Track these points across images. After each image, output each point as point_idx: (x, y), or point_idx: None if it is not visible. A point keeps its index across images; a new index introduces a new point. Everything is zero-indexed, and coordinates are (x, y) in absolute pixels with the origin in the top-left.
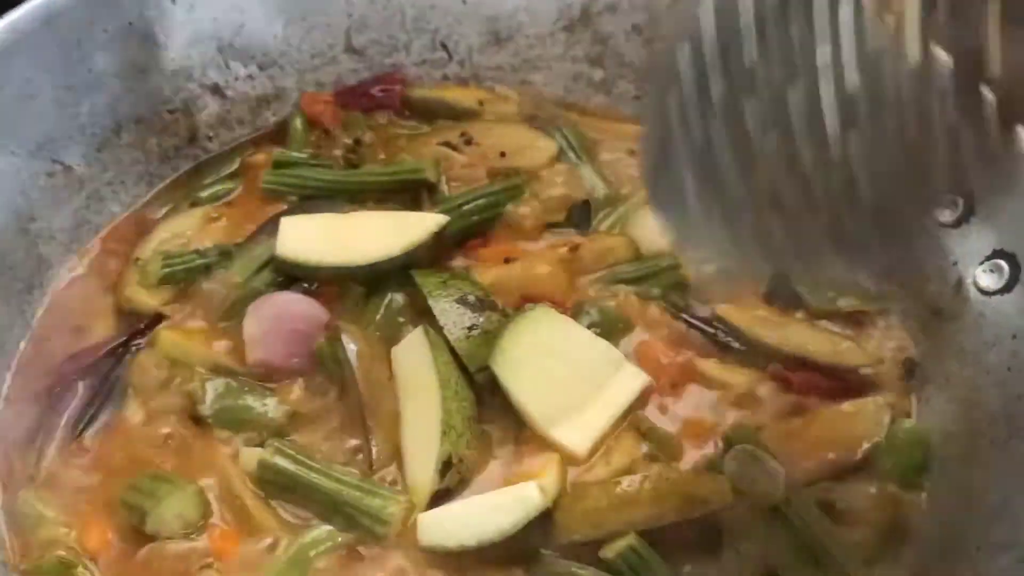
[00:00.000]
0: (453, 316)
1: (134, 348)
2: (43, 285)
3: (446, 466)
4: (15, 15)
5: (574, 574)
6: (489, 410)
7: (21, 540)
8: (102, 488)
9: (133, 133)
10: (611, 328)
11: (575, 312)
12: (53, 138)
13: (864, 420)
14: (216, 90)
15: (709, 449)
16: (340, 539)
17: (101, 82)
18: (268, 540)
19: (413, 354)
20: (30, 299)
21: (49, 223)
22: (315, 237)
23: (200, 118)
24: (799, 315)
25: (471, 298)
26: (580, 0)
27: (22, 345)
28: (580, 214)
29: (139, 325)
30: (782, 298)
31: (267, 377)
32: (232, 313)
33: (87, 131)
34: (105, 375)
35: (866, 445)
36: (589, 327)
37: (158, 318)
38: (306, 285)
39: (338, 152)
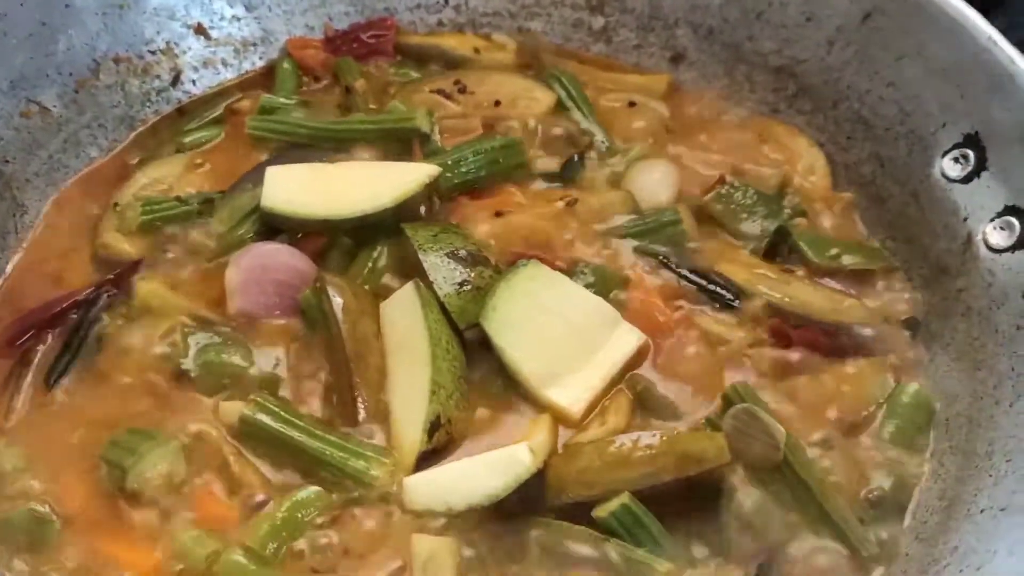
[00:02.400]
0: (443, 271)
1: (108, 297)
2: (17, 231)
3: (434, 426)
4: None
5: (567, 534)
6: (478, 369)
7: None
8: (78, 441)
9: (113, 74)
10: (606, 285)
11: (570, 268)
12: (27, 77)
13: (866, 381)
14: (200, 30)
15: (707, 408)
16: (333, 498)
17: (79, 18)
18: (255, 497)
19: (403, 310)
20: (3, 245)
21: (24, 166)
22: (301, 188)
23: (183, 60)
24: (800, 272)
25: (462, 253)
26: None
27: None
28: (573, 166)
29: (112, 273)
30: (783, 254)
31: (249, 328)
32: (214, 263)
33: (64, 70)
34: (78, 325)
35: (869, 407)
36: (584, 284)
37: (134, 266)
38: (292, 236)
39: (327, 99)
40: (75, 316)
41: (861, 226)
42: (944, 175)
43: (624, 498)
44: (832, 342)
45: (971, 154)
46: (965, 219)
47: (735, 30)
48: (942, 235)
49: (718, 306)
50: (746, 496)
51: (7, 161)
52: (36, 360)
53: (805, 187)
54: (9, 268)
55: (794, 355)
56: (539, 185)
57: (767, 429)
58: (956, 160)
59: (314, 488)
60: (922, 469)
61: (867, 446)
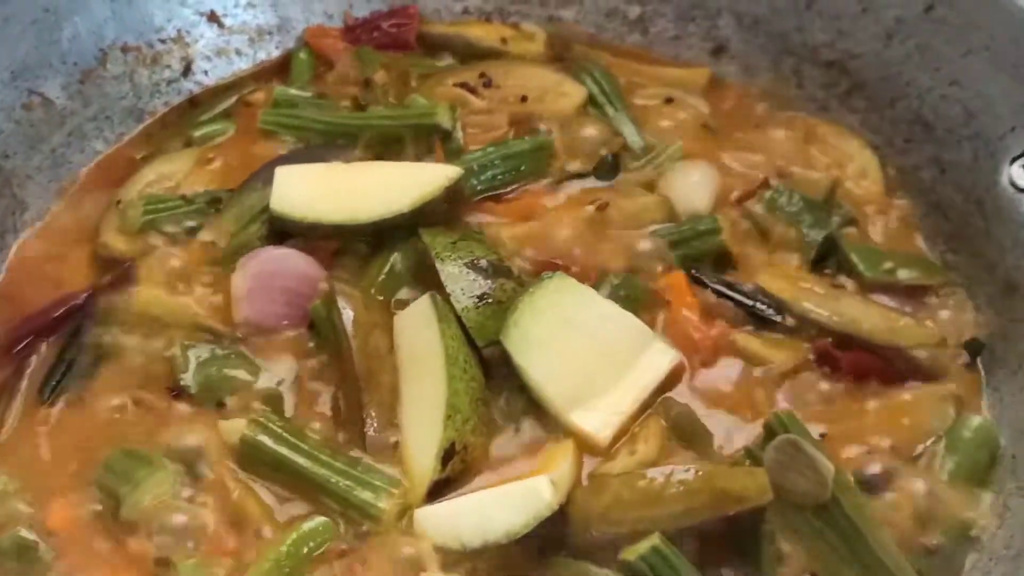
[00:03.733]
0: (462, 282)
1: (104, 302)
2: (17, 230)
3: (448, 454)
4: None
5: None
6: (497, 389)
7: None
8: (70, 461)
9: (120, 63)
10: (637, 298)
11: (598, 280)
12: (30, 67)
13: (924, 412)
14: (213, 18)
15: (747, 437)
16: (341, 530)
17: (86, 5)
18: (257, 527)
19: (418, 324)
20: (2, 244)
21: (25, 161)
22: (313, 190)
23: (195, 49)
24: (850, 287)
25: (483, 263)
26: None
27: None
28: (608, 166)
29: (107, 278)
30: (831, 267)
31: (254, 339)
32: (219, 267)
33: (68, 60)
34: (72, 334)
35: (926, 442)
36: (613, 298)
37: (131, 268)
38: (303, 240)
39: (345, 91)
40: (70, 323)
41: (918, 237)
42: (1013, 183)
43: (654, 539)
44: (886, 366)
45: None
46: None
47: (783, 20)
48: (1010, 249)
49: (759, 324)
50: (789, 538)
51: (7, 156)
52: (30, 371)
53: (856, 193)
54: (7, 268)
55: (843, 380)
56: (568, 188)
57: (813, 464)
58: None
59: (321, 519)
60: (986, 513)
61: (924, 485)
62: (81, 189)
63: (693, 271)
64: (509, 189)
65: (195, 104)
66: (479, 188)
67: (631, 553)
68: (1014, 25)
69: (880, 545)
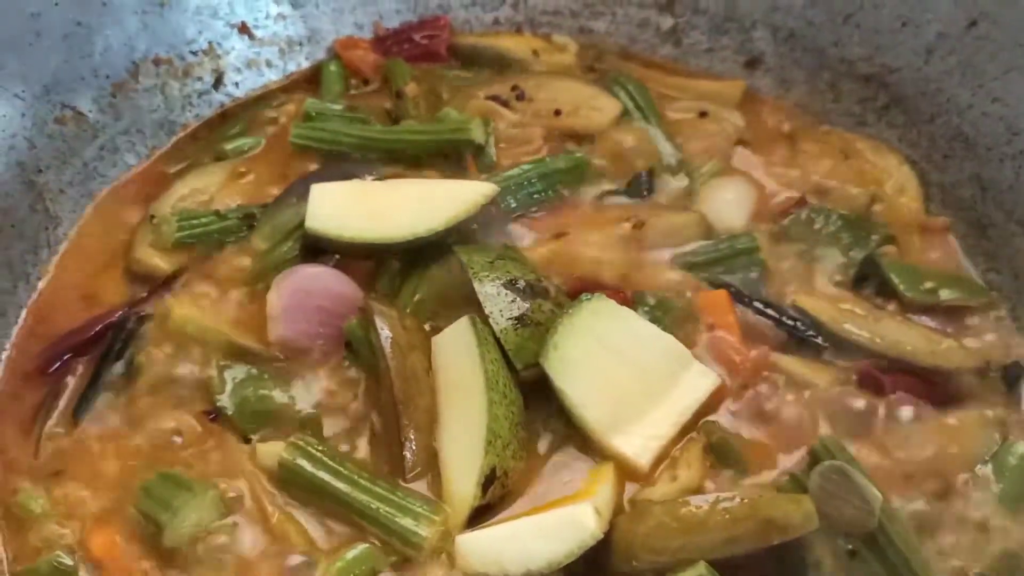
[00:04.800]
0: (500, 303)
1: (138, 321)
2: (50, 244)
3: (489, 480)
4: None
5: None
6: (535, 411)
7: (17, 538)
8: (107, 484)
9: (152, 76)
10: (676, 319)
11: (635, 300)
12: (61, 81)
13: (969, 437)
14: (244, 29)
15: (790, 463)
16: (384, 557)
17: (117, 18)
18: (297, 555)
19: (457, 348)
20: (35, 260)
21: (58, 176)
22: (349, 207)
23: (226, 61)
24: (891, 307)
25: (521, 283)
26: None
27: (25, 312)
28: (642, 183)
29: (143, 293)
30: (872, 287)
31: (290, 359)
32: (253, 285)
33: (100, 73)
34: (106, 353)
35: (973, 467)
36: (650, 318)
37: (167, 284)
38: (337, 256)
39: (375, 104)
40: (105, 342)
41: (959, 256)
42: None
43: (700, 568)
44: (930, 390)
45: None
46: None
47: (820, 34)
48: None
49: (799, 345)
50: (834, 568)
51: (40, 170)
52: (67, 392)
53: (895, 210)
54: (41, 284)
55: (887, 404)
56: (604, 205)
57: (860, 491)
58: None
59: (363, 546)
60: None
61: (970, 513)
62: (114, 203)
63: (735, 290)
64: (544, 206)
65: (225, 117)
66: (514, 206)
67: None
68: None
69: (928, 572)
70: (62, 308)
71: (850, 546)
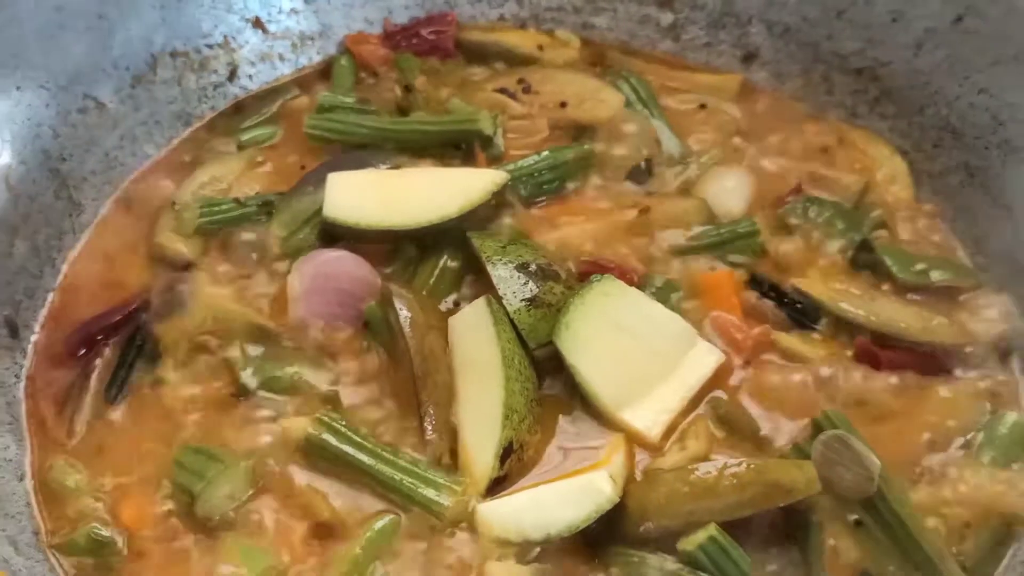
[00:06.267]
0: (513, 285)
1: (163, 303)
2: (75, 231)
3: (507, 452)
4: None
5: (649, 565)
6: (548, 387)
7: (53, 512)
8: (139, 459)
9: (169, 68)
10: (681, 299)
11: (642, 281)
12: (84, 72)
13: (962, 408)
14: (258, 24)
15: (793, 434)
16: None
17: (137, 11)
18: (324, 524)
19: (474, 327)
20: (60, 246)
21: (80, 164)
22: (364, 196)
23: (240, 54)
24: (885, 287)
25: (532, 266)
26: None
27: (51, 295)
28: (644, 172)
29: (167, 277)
30: (867, 269)
31: (310, 339)
32: (273, 269)
33: (120, 65)
34: (133, 335)
35: (965, 436)
36: (657, 298)
37: (189, 269)
38: (353, 243)
39: (387, 97)
40: (131, 324)
41: (948, 241)
42: None
43: (711, 529)
44: (924, 363)
45: None
46: None
47: (814, 29)
48: None
49: (798, 323)
50: (837, 530)
51: (64, 159)
52: (96, 372)
53: (886, 197)
54: (66, 268)
55: (884, 377)
56: (609, 192)
57: (860, 459)
58: None
59: (390, 516)
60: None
61: (964, 479)
62: (134, 191)
63: (738, 272)
64: (553, 195)
65: (239, 109)
66: (524, 194)
67: (689, 543)
68: None
69: (923, 537)
70: (87, 292)
71: (855, 516)
